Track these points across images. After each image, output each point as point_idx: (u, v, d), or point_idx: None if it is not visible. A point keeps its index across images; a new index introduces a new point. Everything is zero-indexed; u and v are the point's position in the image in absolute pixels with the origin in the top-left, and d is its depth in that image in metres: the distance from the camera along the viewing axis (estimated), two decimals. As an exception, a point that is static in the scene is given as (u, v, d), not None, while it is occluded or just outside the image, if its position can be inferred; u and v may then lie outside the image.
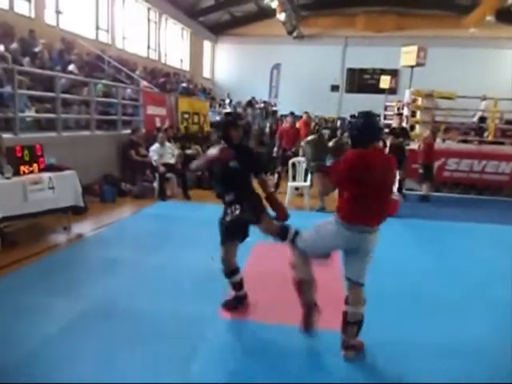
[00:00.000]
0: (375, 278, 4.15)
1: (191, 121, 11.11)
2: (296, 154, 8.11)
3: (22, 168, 4.79)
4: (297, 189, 8.07)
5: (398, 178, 8.65)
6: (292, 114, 9.44)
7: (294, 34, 21.15)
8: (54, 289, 3.66)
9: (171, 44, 18.12)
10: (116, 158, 8.14)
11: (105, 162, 7.74)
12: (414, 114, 10.24)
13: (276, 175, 8.58)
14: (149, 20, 16.21)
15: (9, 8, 9.36)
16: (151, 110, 9.34)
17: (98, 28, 12.83)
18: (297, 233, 2.92)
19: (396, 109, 12.55)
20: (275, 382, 2.53)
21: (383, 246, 5.33)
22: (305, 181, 7.51)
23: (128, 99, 9.49)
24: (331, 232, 2.67)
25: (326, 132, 10.70)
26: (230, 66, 22.56)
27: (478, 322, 3.40)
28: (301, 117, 10.82)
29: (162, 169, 7.50)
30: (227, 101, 17.29)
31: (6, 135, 5.66)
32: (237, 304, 3.38)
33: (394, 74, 18.83)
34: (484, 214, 7.64)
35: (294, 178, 7.59)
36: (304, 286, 2.79)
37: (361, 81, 21.74)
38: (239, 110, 16.19)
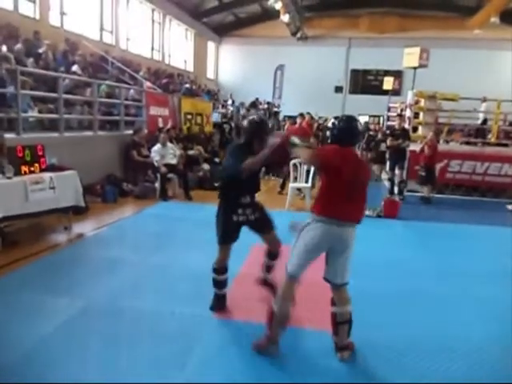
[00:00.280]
0: (376, 280, 4.19)
1: (194, 121, 11.16)
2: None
3: (23, 168, 4.83)
4: (299, 190, 8.08)
5: (398, 179, 8.66)
6: (301, 114, 9.51)
7: (298, 35, 21.17)
8: (54, 288, 3.68)
9: (175, 45, 18.18)
10: (118, 159, 8.18)
11: (107, 163, 7.78)
12: (417, 116, 10.22)
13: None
14: (153, 21, 16.28)
15: (13, 9, 9.44)
16: (154, 110, 9.39)
17: (102, 29, 12.90)
18: None
19: (399, 110, 12.54)
20: (271, 383, 2.54)
21: (384, 247, 5.39)
22: (306, 182, 7.51)
23: (131, 100, 9.53)
24: (313, 236, 2.66)
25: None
26: (234, 67, 22.60)
27: (478, 321, 3.40)
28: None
29: (163, 169, 7.53)
30: (229, 102, 17.32)
31: (8, 135, 5.71)
32: (223, 302, 3.41)
33: (397, 75, 18.82)
34: (486, 216, 7.61)
35: (295, 179, 7.60)
36: (275, 320, 2.77)
37: (365, 82, 21.72)
38: (242, 110, 16.22)
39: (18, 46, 7.88)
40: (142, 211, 6.70)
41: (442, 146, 9.24)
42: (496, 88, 15.26)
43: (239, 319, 3.27)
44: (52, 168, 5.22)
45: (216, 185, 8.75)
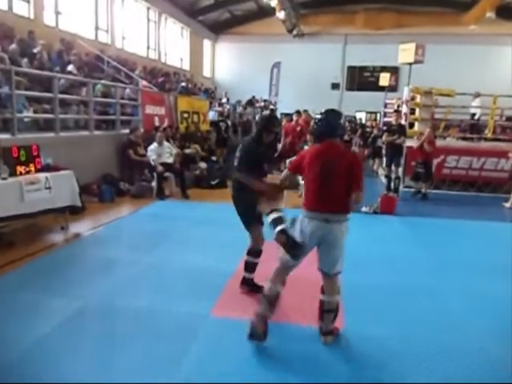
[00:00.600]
0: (373, 275, 4.20)
1: (191, 120, 11.14)
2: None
3: (19, 168, 4.81)
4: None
5: (393, 175, 8.68)
6: (298, 112, 9.57)
7: (294, 32, 21.16)
8: (50, 288, 3.68)
9: (171, 43, 18.15)
10: (115, 158, 8.16)
11: (103, 162, 7.76)
12: (413, 112, 10.22)
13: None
14: (148, 19, 16.24)
15: (8, 9, 9.40)
16: (150, 109, 9.36)
17: (97, 28, 12.87)
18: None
19: (396, 106, 12.55)
20: (268, 382, 2.53)
21: (381, 243, 5.39)
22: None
23: (127, 99, 9.51)
24: (302, 230, 2.81)
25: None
26: (230, 65, 22.58)
27: (478, 321, 3.38)
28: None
29: (159, 168, 7.53)
30: (224, 100, 17.28)
31: (3, 136, 5.70)
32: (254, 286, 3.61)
33: (394, 71, 18.83)
34: (483, 211, 7.63)
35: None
36: (262, 299, 2.91)
37: (361, 78, 21.73)
38: (239, 108, 16.20)
39: (13, 46, 7.85)
40: (139, 210, 6.69)
41: (438, 142, 9.24)
42: (492, 83, 15.30)
43: (235, 317, 3.27)
44: (47, 168, 5.20)
45: (217, 181, 8.79)
